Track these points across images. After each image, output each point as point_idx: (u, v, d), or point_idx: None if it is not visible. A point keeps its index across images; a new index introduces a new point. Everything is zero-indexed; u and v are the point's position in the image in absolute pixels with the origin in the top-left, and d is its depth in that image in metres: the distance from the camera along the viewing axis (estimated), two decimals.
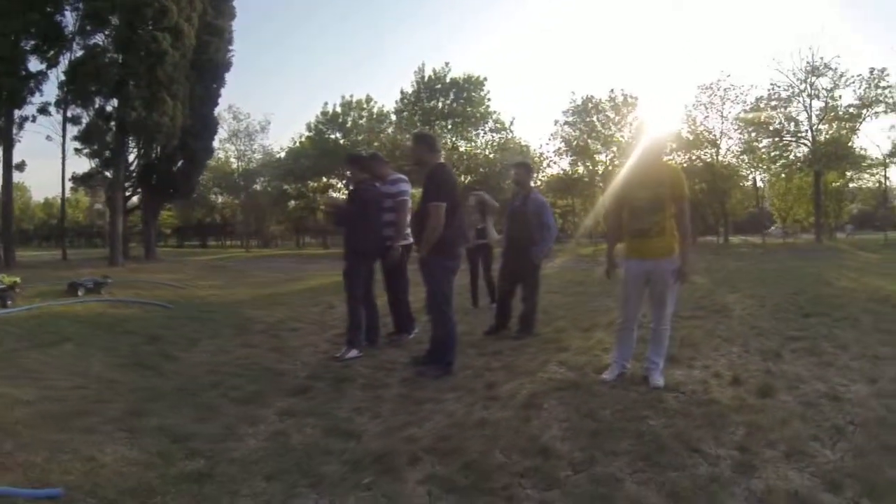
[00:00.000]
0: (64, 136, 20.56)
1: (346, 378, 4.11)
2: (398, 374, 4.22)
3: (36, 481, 2.42)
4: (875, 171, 36.49)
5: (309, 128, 46.07)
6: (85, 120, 20.47)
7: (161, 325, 6.35)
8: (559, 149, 38.60)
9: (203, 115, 23.52)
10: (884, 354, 4.44)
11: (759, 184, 42.34)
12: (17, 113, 18.54)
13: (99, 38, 19.63)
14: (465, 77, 39.46)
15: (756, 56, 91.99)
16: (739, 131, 35.50)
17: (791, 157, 34.97)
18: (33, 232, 60.64)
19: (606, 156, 37.37)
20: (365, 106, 45.28)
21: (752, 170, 38.05)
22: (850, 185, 40.87)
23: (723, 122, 35.69)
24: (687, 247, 3.87)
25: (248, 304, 8.36)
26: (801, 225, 46.07)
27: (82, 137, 20.47)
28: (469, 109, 39.28)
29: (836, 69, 31.93)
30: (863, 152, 34.17)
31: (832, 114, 32.79)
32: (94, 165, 22.45)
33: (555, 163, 39.50)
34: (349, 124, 44.75)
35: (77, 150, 21.02)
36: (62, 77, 19.55)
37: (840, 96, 32.58)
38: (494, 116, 40.04)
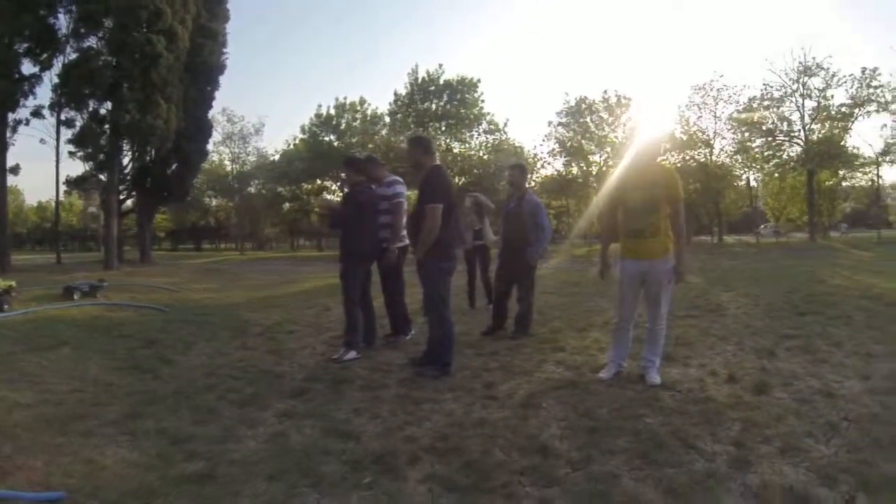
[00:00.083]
0: (58, 140, 20.46)
1: (345, 379, 4.12)
2: (396, 375, 4.23)
3: (37, 484, 2.43)
4: (867, 169, 36.79)
5: (303, 130, 46.03)
6: (79, 123, 20.38)
7: (157, 328, 6.34)
8: (553, 150, 38.78)
9: (197, 117, 23.47)
10: (877, 352, 4.49)
11: (753, 183, 42.64)
12: (10, 116, 18.44)
13: (93, 41, 19.57)
14: (459, 79, 39.51)
15: (749, 56, 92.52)
16: (733, 131, 35.77)
17: (784, 156, 35.24)
18: (27, 236, 60.36)
19: (600, 156, 37.54)
20: (359, 108, 45.27)
21: (746, 169, 38.33)
22: (843, 183, 41.14)
23: (716, 123, 35.95)
24: (683, 247, 3.91)
25: (244, 306, 8.36)
26: (794, 224, 46.33)
27: (76, 140, 20.40)
28: (463, 111, 39.32)
29: (828, 69, 32.22)
30: (855, 151, 34.48)
31: (825, 113, 33.05)
32: (88, 168, 22.40)
33: (549, 164, 39.67)
34: (343, 126, 44.71)
35: (71, 154, 20.96)
36: (56, 80, 19.47)
37: (832, 96, 32.92)
38: (488, 118, 40.12)
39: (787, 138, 34.58)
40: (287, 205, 50.11)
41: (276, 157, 47.88)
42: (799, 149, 34.19)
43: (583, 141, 37.46)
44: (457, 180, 33.04)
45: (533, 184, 35.85)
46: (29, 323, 6.20)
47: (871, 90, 31.75)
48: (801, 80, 33.06)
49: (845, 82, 32.16)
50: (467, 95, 39.54)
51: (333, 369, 4.44)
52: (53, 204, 26.73)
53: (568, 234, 36.77)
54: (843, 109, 32.65)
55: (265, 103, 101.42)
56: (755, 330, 5.51)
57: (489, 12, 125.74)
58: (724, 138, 36.37)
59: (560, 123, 38.34)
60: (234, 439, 2.96)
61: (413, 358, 4.63)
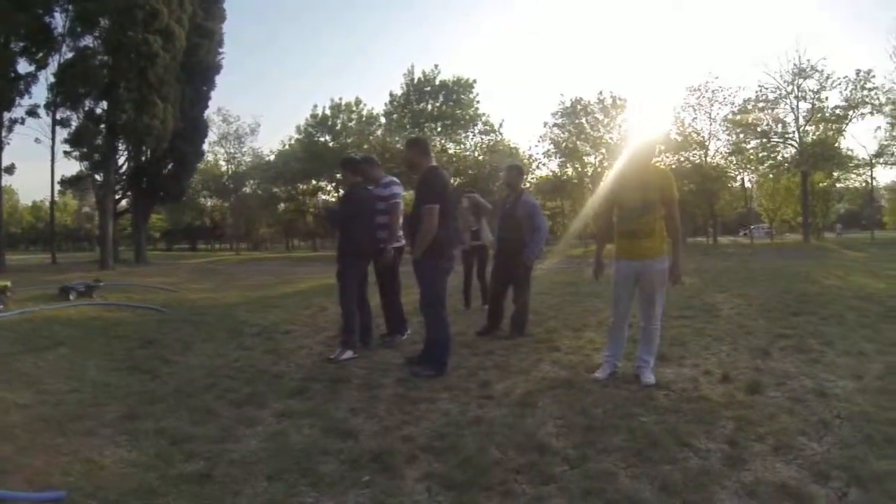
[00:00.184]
0: (53, 139, 20.45)
1: (342, 379, 4.14)
2: (393, 375, 4.25)
3: (37, 484, 2.44)
4: (861, 171, 37.03)
5: (298, 130, 46.05)
6: (74, 122, 20.37)
7: (154, 328, 6.34)
8: (548, 151, 38.90)
9: (193, 117, 23.46)
10: (869, 351, 4.54)
11: (748, 184, 42.85)
12: (5, 115, 18.39)
13: (89, 40, 19.57)
14: (455, 79, 39.62)
15: (744, 58, 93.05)
16: (727, 133, 36.00)
17: (778, 157, 35.44)
18: (21, 235, 60.08)
19: (595, 157, 37.68)
20: (354, 108, 45.28)
21: (741, 171, 38.56)
22: (837, 185, 41.40)
23: (711, 124, 36.19)
24: (678, 248, 3.94)
25: (241, 307, 8.35)
26: (788, 225, 46.56)
27: (72, 140, 20.37)
28: (458, 112, 39.42)
29: (822, 71, 32.43)
30: (849, 153, 34.70)
31: (819, 115, 33.27)
32: (83, 168, 22.34)
33: (544, 164, 39.78)
34: (339, 127, 44.73)
35: (66, 153, 20.92)
36: (51, 79, 19.46)
37: (826, 98, 33.14)
38: (483, 119, 40.21)
39: (781, 140, 34.80)
40: (282, 205, 50.12)
41: (272, 157, 47.92)
42: (793, 150, 34.41)
43: (578, 142, 37.60)
44: (452, 181, 33.02)
45: (528, 185, 35.88)
46: (25, 323, 6.20)
47: (865, 92, 32.02)
48: (795, 82, 33.32)
49: (839, 84, 32.44)
50: (463, 96, 39.64)
51: (330, 369, 4.46)
52: (48, 204, 26.65)
53: (563, 235, 36.89)
54: (838, 111, 32.91)
55: (260, 103, 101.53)
56: (749, 330, 5.56)
57: (487, 11, 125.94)
58: (718, 140, 36.68)
59: (555, 124, 38.52)
60: (233, 439, 2.98)
61: (409, 357, 4.66)
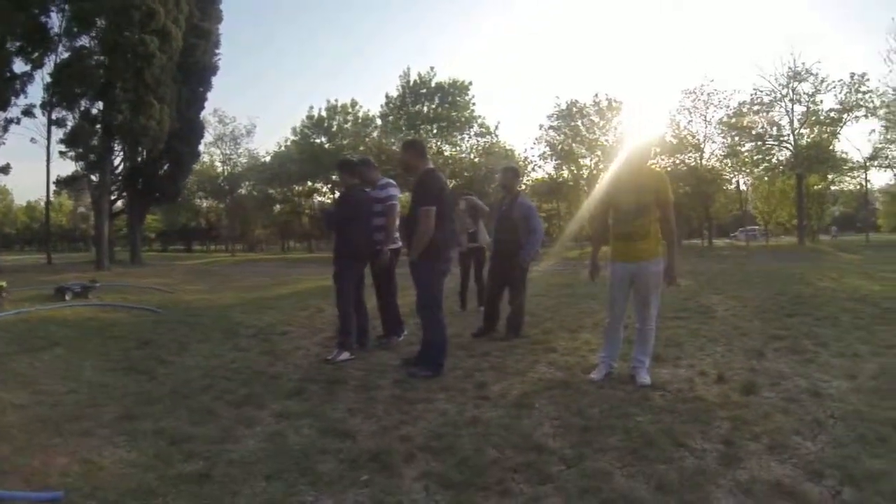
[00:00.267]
0: (49, 139, 20.38)
1: (339, 380, 4.15)
2: (390, 376, 4.26)
3: (35, 484, 2.44)
4: (856, 174, 37.26)
5: (294, 132, 46.08)
6: (70, 122, 20.32)
7: (151, 329, 6.34)
8: (544, 153, 38.94)
9: (189, 118, 23.43)
10: (863, 352, 4.58)
11: (743, 187, 43.01)
12: (1, 115, 18.34)
13: (85, 40, 19.54)
14: (451, 81, 39.72)
15: (741, 61, 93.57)
16: (723, 135, 36.12)
17: (773, 160, 35.61)
18: (16, 236, 59.83)
19: (591, 160, 37.77)
20: (350, 110, 45.33)
21: (736, 173, 38.72)
22: (832, 187, 41.62)
23: (706, 127, 36.34)
24: (673, 250, 3.97)
25: (237, 308, 8.35)
26: (783, 227, 46.78)
27: (68, 140, 20.32)
28: (454, 114, 39.52)
29: (817, 74, 32.62)
30: (844, 156, 34.90)
31: (813, 118, 33.46)
32: (79, 168, 22.28)
33: (540, 167, 39.83)
34: (335, 128, 44.78)
35: (62, 153, 20.86)
36: (47, 79, 19.40)
37: (821, 101, 33.34)
38: (479, 121, 40.32)
39: (776, 143, 34.99)
40: (278, 206, 50.08)
41: (268, 158, 47.86)
42: (788, 153, 34.59)
43: (574, 144, 37.67)
44: (448, 183, 33.06)
45: (524, 187, 35.94)
46: (21, 323, 6.19)
47: (860, 95, 32.23)
48: (790, 86, 33.51)
49: (834, 87, 32.64)
50: (459, 98, 39.74)
51: (327, 370, 4.47)
52: (43, 204, 26.57)
53: (559, 237, 37.00)
54: (832, 114, 33.11)
55: (257, 105, 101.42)
56: (744, 331, 5.59)
57: (486, 12, 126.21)
58: (714, 142, 36.84)
59: (551, 127, 38.58)
60: (231, 439, 2.98)
61: (406, 359, 4.67)
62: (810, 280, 10.24)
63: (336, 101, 45.29)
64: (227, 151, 47.17)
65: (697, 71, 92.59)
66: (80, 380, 4.23)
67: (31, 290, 9.40)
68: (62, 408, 3.52)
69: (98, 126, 19.91)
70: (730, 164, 37.15)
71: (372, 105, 78.03)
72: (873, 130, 34.50)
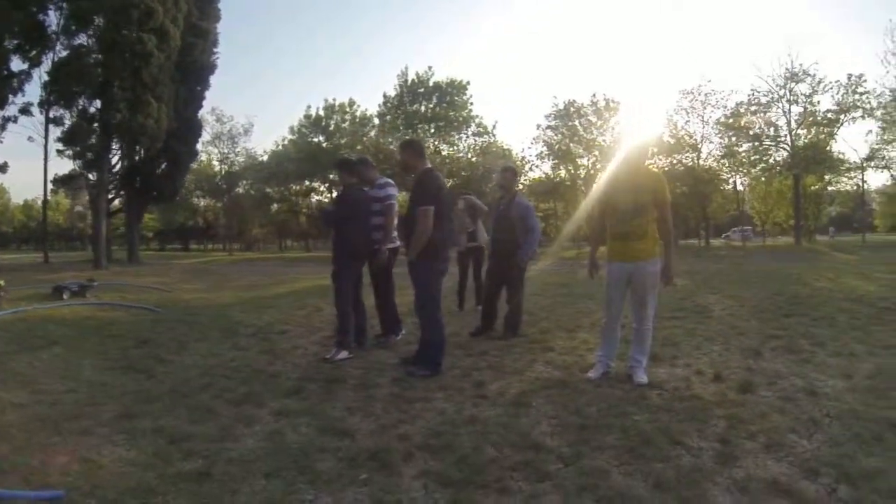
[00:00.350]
0: (46, 137, 20.34)
1: (338, 379, 4.16)
2: (388, 375, 4.27)
3: (35, 483, 2.44)
4: (853, 174, 37.31)
5: (292, 131, 46.02)
6: (68, 121, 20.27)
7: (149, 328, 6.34)
8: (541, 153, 38.93)
9: (187, 117, 23.39)
10: (859, 352, 4.61)
11: (740, 187, 43.07)
12: None
13: (83, 39, 19.49)
14: (448, 81, 39.71)
15: (740, 61, 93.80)
16: (720, 136, 36.16)
17: (771, 161, 35.67)
18: (13, 234, 59.67)
19: (588, 160, 37.75)
20: (348, 109, 45.28)
21: (733, 173, 38.73)
22: (829, 188, 41.69)
23: (703, 127, 36.40)
24: (670, 250, 3.99)
25: (235, 307, 8.35)
26: (780, 227, 46.88)
27: (66, 139, 20.28)
28: (452, 113, 39.50)
29: (814, 75, 32.69)
30: (841, 156, 34.96)
31: (810, 119, 33.52)
32: (76, 167, 22.24)
33: (537, 167, 39.83)
34: (332, 128, 44.72)
35: (60, 152, 20.81)
36: (45, 77, 19.36)
37: (818, 102, 33.40)
38: (477, 120, 40.29)
39: (773, 143, 35.05)
40: (275, 205, 49.98)
41: (265, 157, 47.74)
42: (785, 154, 34.66)
43: (571, 144, 37.67)
44: (446, 182, 33.08)
45: (521, 186, 35.97)
46: (19, 322, 6.18)
47: (857, 96, 32.31)
48: (787, 86, 33.59)
49: (831, 88, 32.73)
50: (456, 98, 39.73)
51: (326, 369, 4.48)
52: (40, 202, 26.50)
53: (556, 237, 37.01)
54: (829, 115, 33.18)
55: (254, 104, 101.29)
56: (741, 331, 5.62)
57: (486, 12, 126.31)
58: (711, 142, 36.88)
59: (549, 127, 38.57)
60: (231, 438, 2.99)
61: (404, 358, 4.68)
62: (807, 280, 10.28)
63: (334, 100, 45.28)
64: (225, 150, 47.10)
65: (695, 71, 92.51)
66: (79, 379, 4.24)
67: (29, 289, 9.39)
68: (61, 407, 3.53)
69: (96, 125, 19.86)
70: (727, 165, 37.20)
71: (370, 104, 78.03)
72: (870, 131, 34.62)
